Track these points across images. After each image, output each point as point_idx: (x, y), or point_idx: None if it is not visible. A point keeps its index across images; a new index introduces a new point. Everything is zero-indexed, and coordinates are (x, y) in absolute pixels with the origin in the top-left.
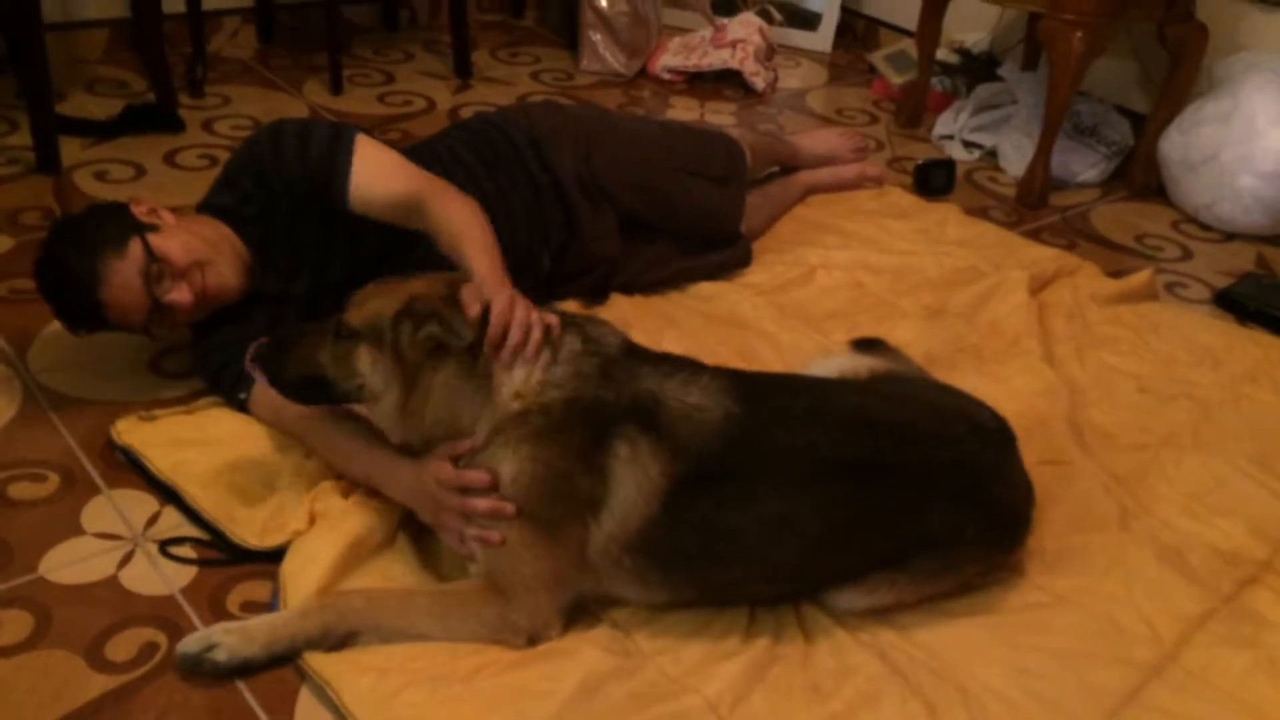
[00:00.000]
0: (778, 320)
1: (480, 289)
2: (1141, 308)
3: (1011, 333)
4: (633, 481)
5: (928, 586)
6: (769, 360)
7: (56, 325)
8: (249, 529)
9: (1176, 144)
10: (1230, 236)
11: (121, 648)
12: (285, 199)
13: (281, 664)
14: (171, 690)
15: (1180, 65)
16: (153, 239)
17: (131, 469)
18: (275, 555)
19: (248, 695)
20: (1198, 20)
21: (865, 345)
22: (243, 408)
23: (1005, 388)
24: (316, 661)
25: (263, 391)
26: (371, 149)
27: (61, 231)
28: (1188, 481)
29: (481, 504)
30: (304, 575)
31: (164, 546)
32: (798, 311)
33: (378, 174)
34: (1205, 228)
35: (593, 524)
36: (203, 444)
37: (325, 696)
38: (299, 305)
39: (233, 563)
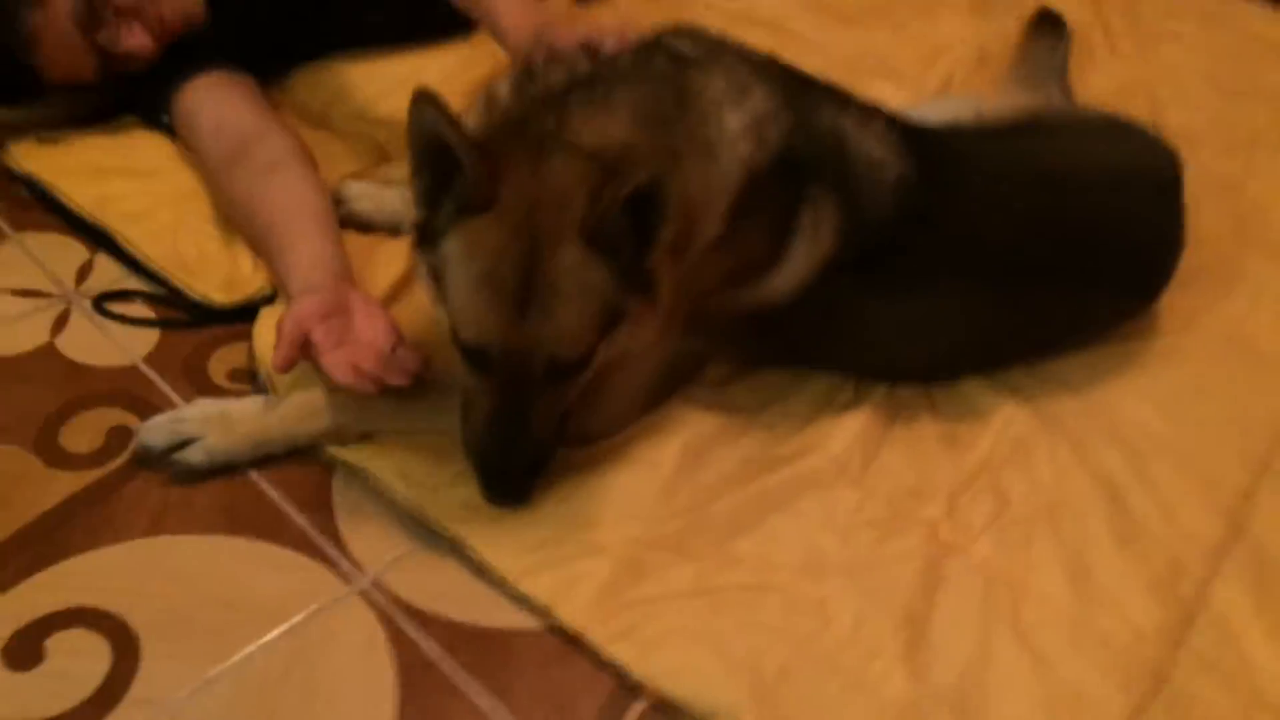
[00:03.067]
0: (810, 20)
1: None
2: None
3: (1069, 26)
4: (804, 253)
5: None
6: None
7: None
8: (209, 281)
9: None
10: None
11: (82, 435)
12: None
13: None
14: (164, 486)
15: None
16: None
17: (41, 205)
18: (248, 313)
19: (268, 488)
20: None
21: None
22: (169, 130)
23: (1077, 90)
24: (347, 453)
25: (192, 102)
26: None
27: None
28: None
29: None
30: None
31: (101, 303)
32: (826, 7)
33: None
34: None
35: (741, 292)
36: (130, 174)
37: (366, 488)
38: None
39: (198, 324)
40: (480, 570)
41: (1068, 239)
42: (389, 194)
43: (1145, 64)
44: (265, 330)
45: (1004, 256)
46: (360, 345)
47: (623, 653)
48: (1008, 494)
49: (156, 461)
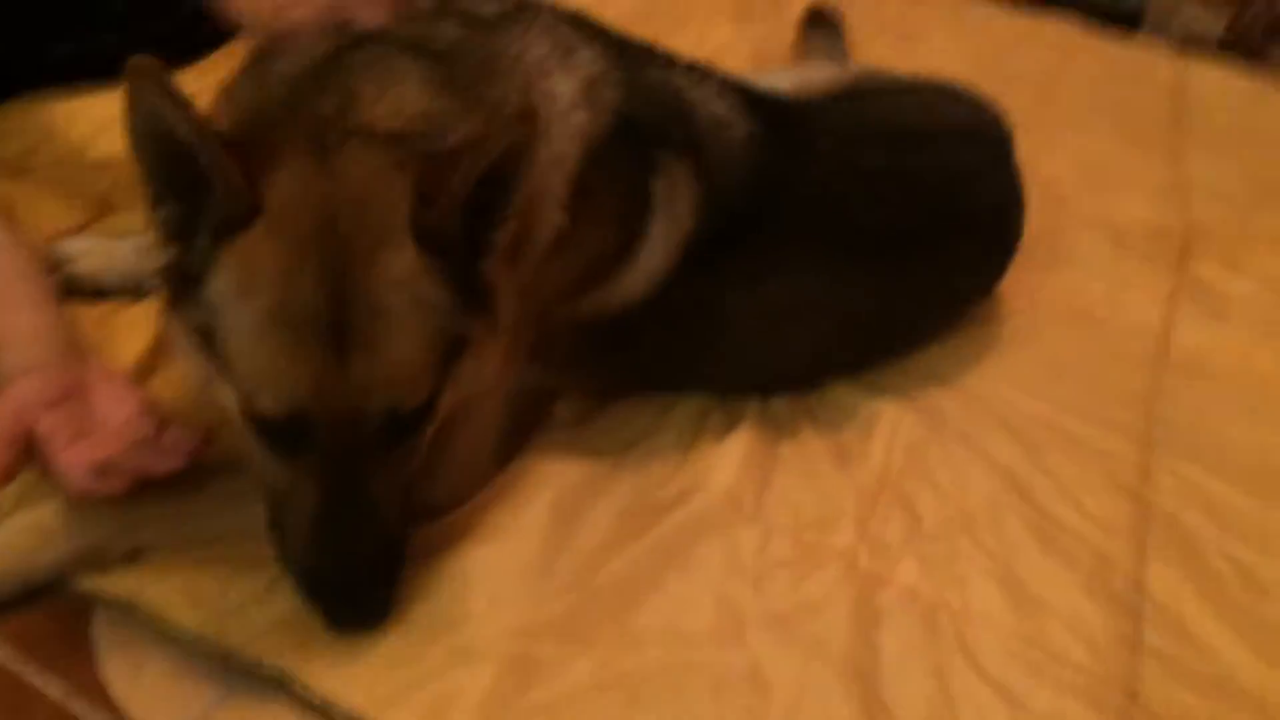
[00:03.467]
0: None
1: None
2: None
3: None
4: (661, 235)
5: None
6: None
7: None
8: None
9: None
10: None
11: None
12: None
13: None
14: None
15: None
16: None
17: None
18: None
19: None
20: None
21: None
22: None
23: None
24: (108, 583)
25: None
26: None
27: None
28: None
29: None
30: None
31: None
32: None
33: None
34: None
35: (590, 297)
36: None
37: (141, 627)
38: None
39: None
40: (322, 709)
41: (925, 199)
42: (120, 247)
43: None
44: None
45: (864, 221)
46: (107, 433)
47: None
48: (915, 507)
49: None
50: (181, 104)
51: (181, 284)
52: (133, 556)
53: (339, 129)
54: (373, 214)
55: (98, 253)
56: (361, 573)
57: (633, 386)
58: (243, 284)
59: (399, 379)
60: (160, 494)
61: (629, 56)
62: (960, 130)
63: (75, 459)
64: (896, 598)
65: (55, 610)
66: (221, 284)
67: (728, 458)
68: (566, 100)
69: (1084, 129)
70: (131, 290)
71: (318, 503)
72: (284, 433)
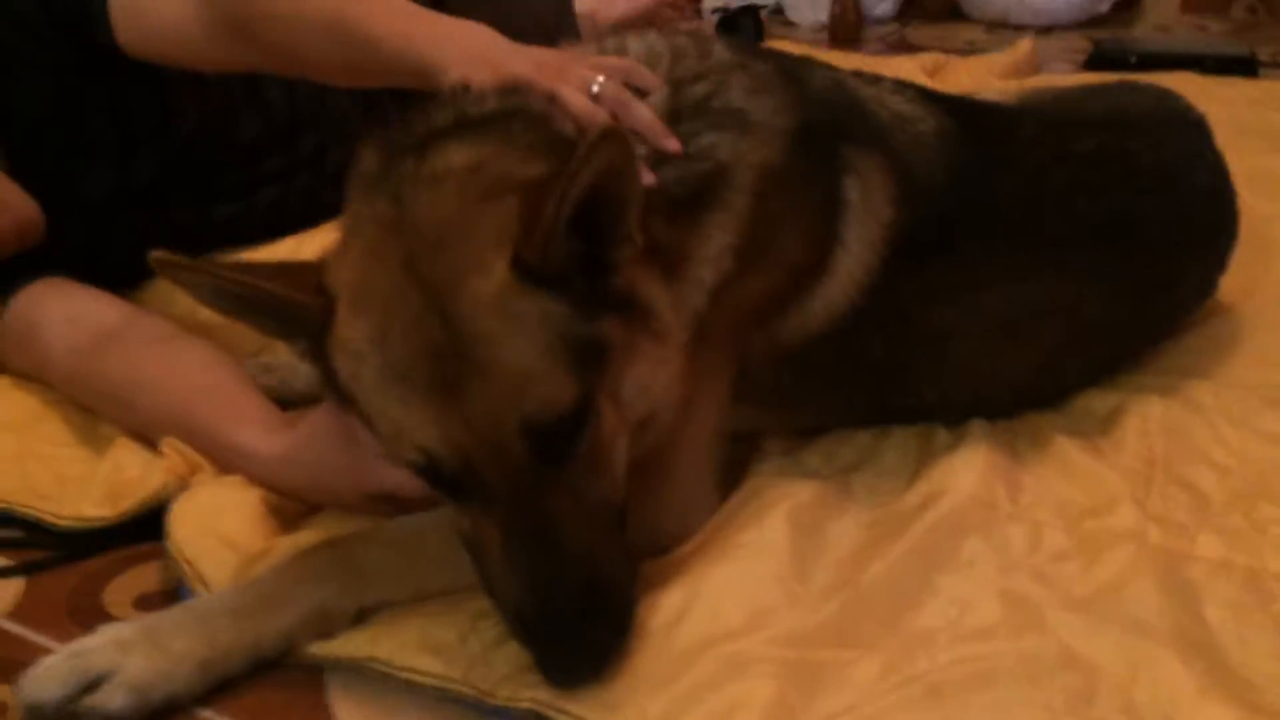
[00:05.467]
0: None
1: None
2: (1041, 80)
3: None
4: (859, 238)
5: None
6: None
7: None
8: (80, 501)
9: None
10: (1048, 29)
11: None
12: (25, 53)
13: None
14: None
15: None
16: None
17: None
18: (140, 530)
19: None
20: None
21: None
22: None
23: None
24: (340, 646)
25: (26, 306)
26: None
27: None
28: None
29: None
30: (215, 540)
31: None
32: None
33: None
34: (1020, 27)
35: (789, 317)
36: None
37: (380, 688)
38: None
39: (75, 558)
40: None
41: (1144, 184)
42: (299, 367)
43: None
44: (185, 522)
45: (1085, 210)
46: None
47: None
48: (1198, 485)
49: (56, 716)
50: (209, 270)
51: (329, 392)
52: (360, 619)
53: (413, 182)
54: (450, 250)
55: (275, 369)
56: (570, 613)
57: (846, 419)
58: (347, 366)
59: (519, 392)
60: (383, 552)
61: (789, 65)
62: (1161, 115)
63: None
64: (1208, 571)
65: (287, 686)
66: (339, 376)
67: (966, 466)
68: (732, 116)
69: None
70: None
71: (502, 543)
72: (445, 480)
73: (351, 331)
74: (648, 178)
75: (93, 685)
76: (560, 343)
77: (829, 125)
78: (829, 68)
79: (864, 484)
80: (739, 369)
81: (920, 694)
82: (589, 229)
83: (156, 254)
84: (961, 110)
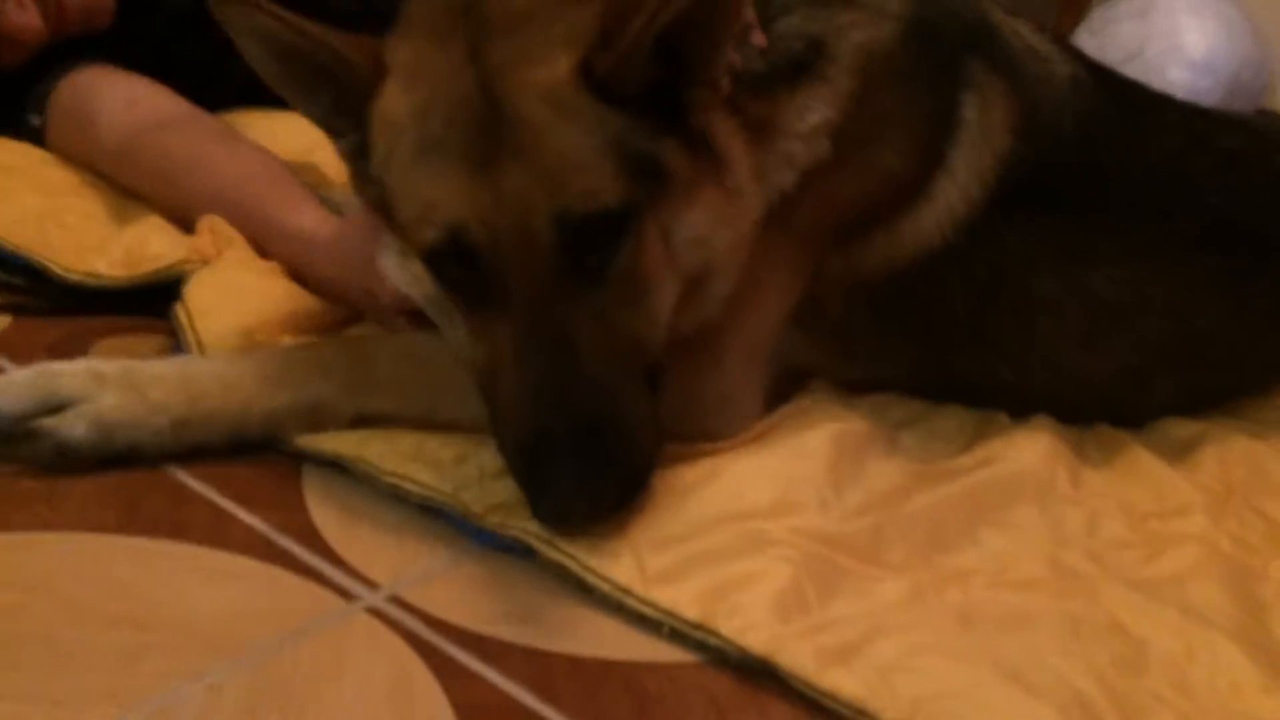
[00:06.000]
0: None
1: None
2: None
3: None
4: (967, 163)
5: None
6: None
7: None
8: (101, 257)
9: (1090, 47)
10: None
11: None
12: None
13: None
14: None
15: None
16: None
17: None
18: (144, 297)
19: (194, 482)
20: None
21: None
22: (36, 138)
23: None
24: (328, 442)
25: (89, 85)
26: None
27: None
28: None
29: None
30: (228, 312)
31: None
32: None
33: None
34: None
35: (877, 234)
36: None
37: (357, 491)
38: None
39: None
40: (578, 586)
41: None
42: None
43: None
44: (202, 290)
45: (1219, 208)
46: None
47: (846, 683)
48: (1274, 516)
49: (9, 442)
50: (274, 13)
51: (356, 169)
52: (355, 426)
53: None
54: (515, 39)
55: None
56: (573, 443)
57: (905, 383)
58: (385, 140)
59: (558, 178)
60: (396, 363)
61: None
62: None
63: None
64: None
65: (258, 464)
66: (375, 148)
67: (1029, 446)
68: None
69: None
70: None
71: (513, 355)
72: (465, 267)
73: (395, 104)
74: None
75: (57, 409)
76: (612, 147)
77: (952, 30)
78: None
79: (914, 440)
80: (809, 291)
81: (948, 619)
82: (670, 57)
83: None
84: (1103, 71)
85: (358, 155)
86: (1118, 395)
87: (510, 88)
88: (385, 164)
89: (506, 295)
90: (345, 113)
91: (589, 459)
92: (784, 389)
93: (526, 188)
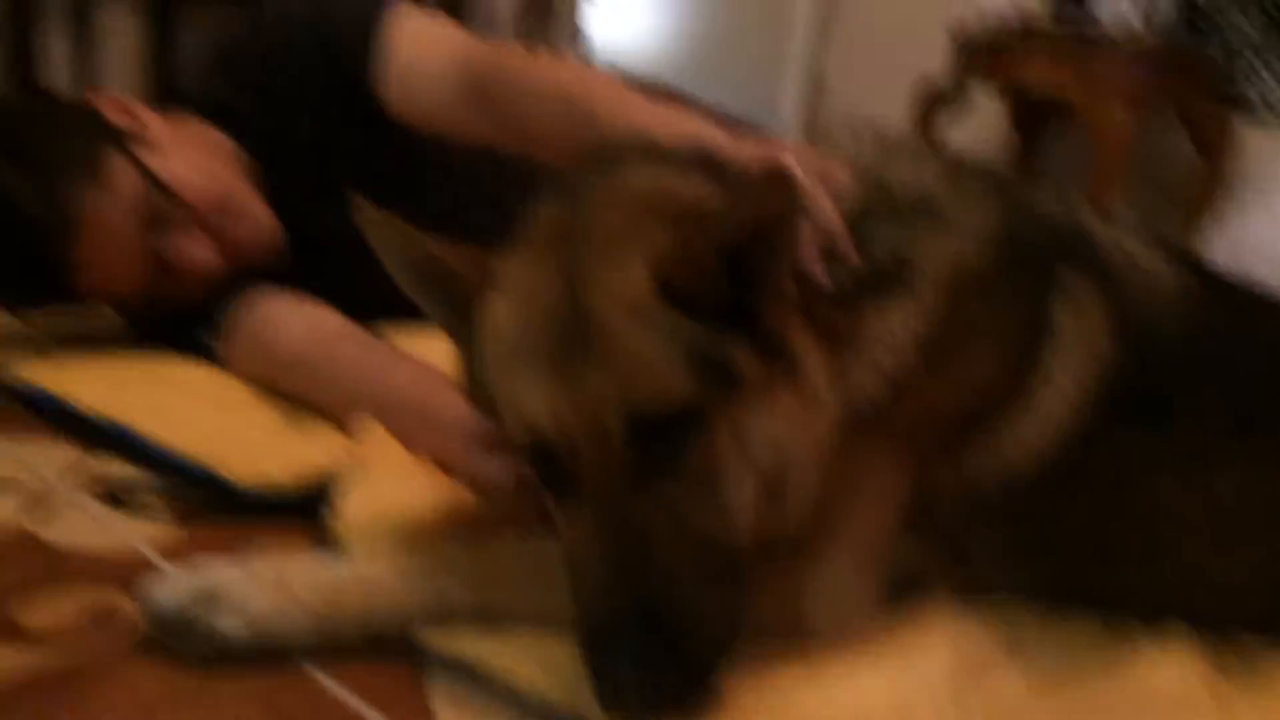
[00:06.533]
0: None
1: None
2: None
3: None
4: (1065, 368)
5: None
6: None
7: None
8: (264, 466)
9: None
10: None
11: (46, 609)
12: (298, 90)
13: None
14: (168, 670)
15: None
16: (147, 158)
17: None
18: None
19: (331, 684)
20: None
21: None
22: (210, 356)
23: None
24: (454, 642)
25: (266, 306)
26: (415, 19)
27: None
28: None
29: None
30: (376, 515)
31: (110, 493)
32: None
33: (423, 41)
34: None
35: (977, 446)
36: (159, 383)
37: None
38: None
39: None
40: None
41: None
42: None
43: None
44: (353, 499)
45: None
46: None
47: None
48: None
49: (169, 633)
50: (403, 229)
51: (468, 371)
52: (479, 620)
53: (593, 187)
54: (603, 252)
55: None
56: (636, 632)
57: (1024, 587)
58: (486, 346)
59: (629, 380)
60: (516, 560)
61: (1011, 185)
62: None
63: None
64: None
65: (387, 666)
66: (479, 351)
67: (1161, 658)
68: (927, 216)
69: None
70: None
71: (591, 544)
72: (548, 463)
73: (494, 311)
74: (818, 272)
75: (213, 603)
76: (682, 350)
77: (1044, 244)
78: (1068, 198)
79: (1038, 649)
80: (920, 499)
81: None
82: (740, 270)
83: (360, 199)
84: (1216, 279)
85: (469, 359)
86: (1258, 604)
87: (593, 297)
88: (484, 367)
89: (585, 488)
90: (461, 318)
91: (648, 647)
92: (899, 595)
93: (601, 389)
